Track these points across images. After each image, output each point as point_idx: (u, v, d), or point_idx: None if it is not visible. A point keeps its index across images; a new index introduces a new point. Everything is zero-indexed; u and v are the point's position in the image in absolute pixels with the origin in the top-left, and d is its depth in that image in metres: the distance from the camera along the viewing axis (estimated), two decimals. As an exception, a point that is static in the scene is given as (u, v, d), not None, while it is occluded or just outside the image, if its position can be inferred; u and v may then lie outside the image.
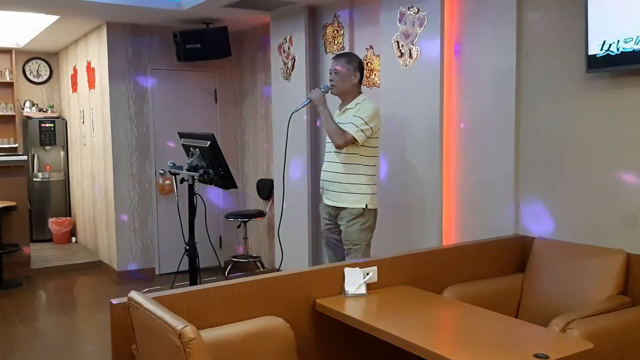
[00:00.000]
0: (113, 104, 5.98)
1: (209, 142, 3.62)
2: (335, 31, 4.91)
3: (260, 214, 5.93)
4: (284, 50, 5.39)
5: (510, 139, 3.57)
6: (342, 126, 3.61)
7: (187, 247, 3.81)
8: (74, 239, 7.69)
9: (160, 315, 1.91)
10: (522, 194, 3.57)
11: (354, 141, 3.59)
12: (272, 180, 5.94)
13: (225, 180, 3.71)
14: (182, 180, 3.83)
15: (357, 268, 2.85)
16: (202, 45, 5.68)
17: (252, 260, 6.06)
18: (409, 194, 4.14)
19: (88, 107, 6.74)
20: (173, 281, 4.18)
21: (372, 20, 4.58)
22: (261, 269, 5.91)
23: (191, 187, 3.81)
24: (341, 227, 3.72)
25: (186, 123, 6.19)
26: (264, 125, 6.17)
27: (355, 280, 2.83)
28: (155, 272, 6.22)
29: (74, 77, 7.27)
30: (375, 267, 2.92)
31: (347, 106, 3.73)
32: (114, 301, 2.31)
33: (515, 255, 3.53)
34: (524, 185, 3.56)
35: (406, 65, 4.12)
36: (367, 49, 4.63)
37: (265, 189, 6.00)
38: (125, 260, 6.11)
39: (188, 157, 3.89)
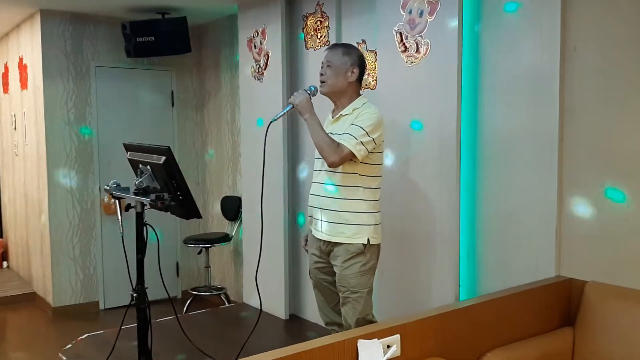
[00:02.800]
0: (48, 107, 5.00)
1: (163, 158, 2.74)
2: (319, 22, 4.09)
3: (226, 238, 5.04)
4: (254, 46, 4.54)
5: (551, 155, 2.81)
6: (335, 137, 2.79)
7: (134, 295, 2.91)
8: (5, 263, 6.62)
9: None
10: (567, 225, 2.81)
11: (351, 157, 2.77)
12: (239, 198, 5.06)
13: (185, 208, 2.83)
14: (129, 207, 2.94)
15: (375, 340, 2.02)
16: (156, 39, 4.78)
17: (215, 292, 5.15)
18: (414, 225, 3.34)
19: (20, 110, 5.73)
20: (121, 324, 3.28)
21: (365, 9, 3.78)
22: (227, 304, 5.01)
23: (140, 216, 2.92)
24: (335, 269, 2.89)
25: (137, 130, 5.29)
26: (230, 134, 5.29)
27: (374, 357, 2.00)
28: (100, 306, 5.24)
29: (5, 75, 6.23)
30: (398, 336, 2.10)
31: (342, 112, 2.91)
32: None
33: (560, 303, 2.77)
34: (569, 215, 2.80)
35: (412, 63, 3.32)
36: (358, 43, 3.82)
37: (232, 208, 5.12)
38: (63, 293, 5.11)
39: (136, 175, 3.00)
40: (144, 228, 2.94)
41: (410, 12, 3.32)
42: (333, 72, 2.87)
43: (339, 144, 2.75)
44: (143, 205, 2.90)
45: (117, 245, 5.14)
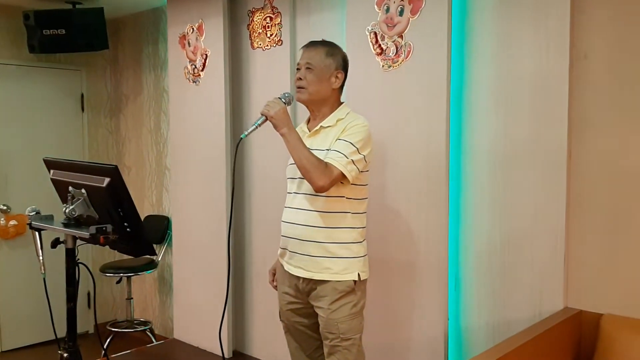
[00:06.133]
0: None
1: (107, 180, 2.13)
2: (268, 19, 3.58)
3: (151, 264, 4.36)
4: (189, 43, 3.95)
5: (559, 174, 2.51)
6: (317, 154, 2.31)
7: (64, 355, 2.27)
8: None
9: None
10: (575, 253, 2.52)
11: (341, 179, 2.31)
12: (167, 218, 4.43)
13: (134, 243, 2.23)
14: (56, 243, 2.28)
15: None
16: (68, 32, 4.05)
17: (138, 327, 4.46)
18: (396, 254, 2.93)
19: None
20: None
21: (325, 5, 3.34)
22: (154, 341, 4.34)
23: (71, 253, 2.28)
24: (319, 311, 2.40)
25: (41, 138, 4.52)
26: (154, 144, 4.63)
27: None
28: (-6, 350, 4.39)
29: None
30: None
31: (323, 123, 2.44)
32: None
33: (572, 340, 2.48)
34: (578, 241, 2.51)
35: (390, 67, 2.92)
36: (318, 43, 3.36)
37: (156, 229, 4.46)
38: (-54, 336, 4.22)
39: (63, 201, 2.35)
40: (76, 268, 2.31)
41: (387, 10, 2.92)
42: (315, 77, 2.39)
43: (327, 163, 2.28)
44: (75, 240, 2.27)
45: (17, 275, 4.38)
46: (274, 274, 2.66)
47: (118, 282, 4.48)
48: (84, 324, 4.63)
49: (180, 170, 4.10)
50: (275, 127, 2.34)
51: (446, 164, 2.75)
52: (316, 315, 2.43)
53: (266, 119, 2.35)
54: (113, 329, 4.33)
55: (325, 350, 2.41)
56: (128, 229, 2.19)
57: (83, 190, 2.23)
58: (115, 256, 4.84)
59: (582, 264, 2.51)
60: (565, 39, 2.47)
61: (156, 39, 4.50)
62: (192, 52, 3.93)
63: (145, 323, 4.51)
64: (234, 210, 3.81)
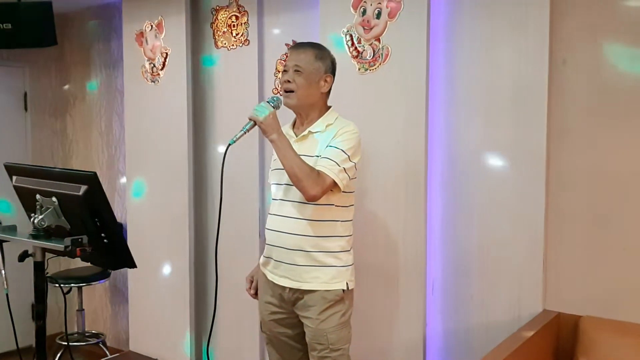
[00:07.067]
0: None
1: (84, 188, 1.97)
2: (234, 18, 3.47)
3: (103, 274, 4.14)
4: (147, 41, 3.77)
5: (538, 178, 2.54)
6: (305, 160, 2.23)
7: (34, 379, 2.09)
8: None
9: None
10: (554, 255, 2.56)
11: (333, 187, 2.24)
12: (120, 225, 4.22)
13: (112, 255, 2.08)
14: (25, 256, 2.10)
15: None
16: (14, 27, 3.78)
17: (91, 340, 4.22)
18: (374, 258, 2.88)
19: None
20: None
21: (294, 5, 3.26)
22: (108, 354, 4.12)
23: (40, 268, 2.11)
24: (306, 322, 2.32)
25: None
26: (104, 146, 4.40)
27: None
28: None
29: None
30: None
31: (312, 128, 2.36)
32: None
33: (552, 343, 2.51)
34: (556, 243, 2.55)
35: (366, 70, 2.88)
36: (287, 45, 3.28)
37: (109, 236, 4.23)
38: None
39: (29, 211, 2.16)
40: (45, 285, 2.13)
41: (364, 13, 2.87)
42: (304, 81, 2.30)
43: (318, 171, 2.20)
44: (44, 252, 2.09)
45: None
46: (252, 282, 2.57)
47: (67, 292, 4.22)
48: (28, 338, 4.34)
49: (136, 174, 3.91)
50: (264, 132, 2.24)
51: (424, 168, 2.73)
52: (301, 325, 2.36)
53: (255, 124, 2.25)
54: (63, 343, 4.07)
55: (315, 364, 2.33)
56: (105, 241, 2.03)
57: (54, 199, 2.06)
58: (62, 265, 4.57)
59: (560, 267, 2.55)
60: (545, 44, 2.50)
61: (108, 36, 4.28)
62: (151, 51, 3.75)
63: (97, 335, 4.27)
64: (200, 217, 3.68)
